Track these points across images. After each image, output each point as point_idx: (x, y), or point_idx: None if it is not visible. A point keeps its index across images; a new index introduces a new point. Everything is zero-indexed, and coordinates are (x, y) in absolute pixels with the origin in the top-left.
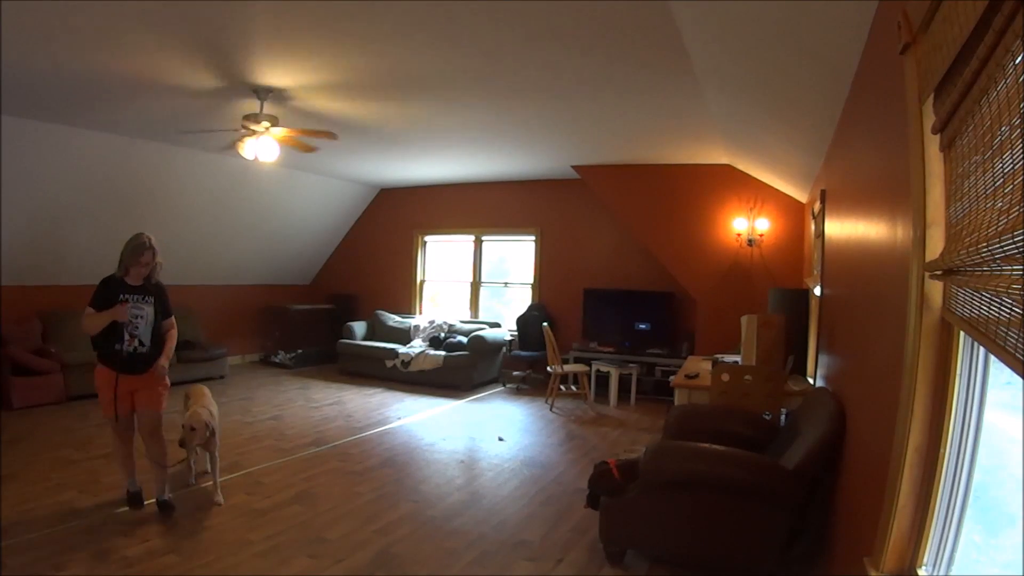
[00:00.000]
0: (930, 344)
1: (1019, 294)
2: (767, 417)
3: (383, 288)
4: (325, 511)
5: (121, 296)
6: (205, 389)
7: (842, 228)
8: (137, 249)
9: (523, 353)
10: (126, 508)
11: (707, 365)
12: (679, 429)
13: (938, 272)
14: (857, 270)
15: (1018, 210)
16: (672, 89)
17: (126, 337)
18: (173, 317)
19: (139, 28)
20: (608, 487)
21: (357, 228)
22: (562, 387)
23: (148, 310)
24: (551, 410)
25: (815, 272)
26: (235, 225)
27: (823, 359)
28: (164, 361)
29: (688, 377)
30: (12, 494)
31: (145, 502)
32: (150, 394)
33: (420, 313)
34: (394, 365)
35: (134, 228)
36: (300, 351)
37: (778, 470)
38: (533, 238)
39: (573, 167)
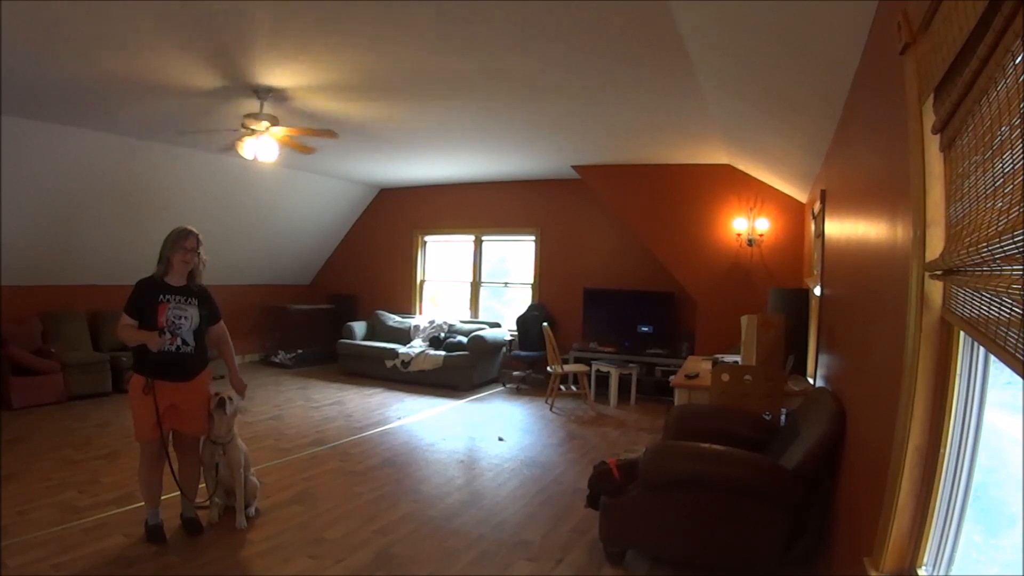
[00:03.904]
0: (930, 344)
1: (1019, 294)
2: (767, 417)
3: (383, 288)
4: (325, 511)
5: (161, 297)
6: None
7: (842, 228)
8: (180, 234)
9: (523, 353)
10: (145, 544)
11: (707, 365)
12: (679, 429)
13: (938, 272)
14: (857, 270)
15: (1018, 210)
16: (672, 89)
17: (167, 336)
18: (223, 322)
19: (139, 28)
20: (608, 487)
21: (357, 228)
22: (562, 387)
23: (192, 312)
24: (551, 410)
25: (815, 272)
26: (235, 225)
27: (823, 359)
28: (237, 377)
29: (688, 377)
30: (12, 494)
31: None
32: (195, 414)
33: (420, 313)
34: (394, 365)
35: (135, 228)
36: (300, 351)
37: (778, 470)
38: (533, 238)
39: (573, 167)
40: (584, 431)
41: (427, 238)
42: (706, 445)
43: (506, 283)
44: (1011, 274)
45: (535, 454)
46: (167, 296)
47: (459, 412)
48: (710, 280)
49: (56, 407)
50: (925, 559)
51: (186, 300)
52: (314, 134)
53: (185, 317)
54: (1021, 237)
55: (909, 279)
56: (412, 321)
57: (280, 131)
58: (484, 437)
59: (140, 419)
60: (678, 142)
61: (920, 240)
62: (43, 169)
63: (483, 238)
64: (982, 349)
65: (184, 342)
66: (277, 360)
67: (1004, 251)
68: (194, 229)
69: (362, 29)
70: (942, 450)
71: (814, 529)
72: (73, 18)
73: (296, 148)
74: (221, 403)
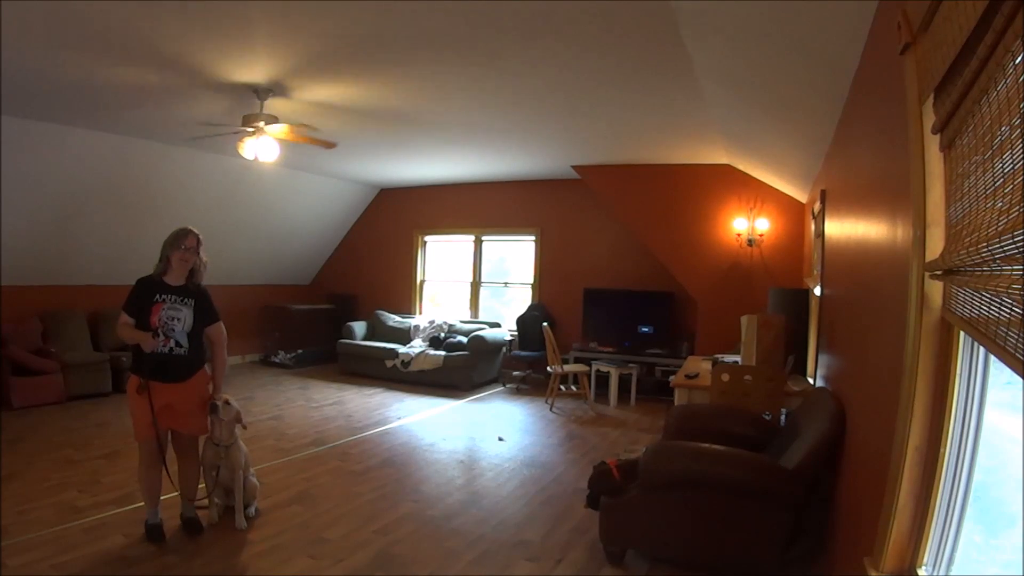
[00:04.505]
0: (930, 344)
1: (1019, 294)
2: (767, 417)
3: (383, 288)
4: (325, 511)
5: (157, 297)
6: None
7: (842, 228)
8: (180, 234)
9: (523, 353)
10: (145, 544)
11: (707, 365)
12: (679, 429)
13: (938, 272)
14: (857, 270)
15: (1018, 210)
16: (672, 89)
17: (160, 337)
18: (221, 323)
19: (139, 28)
20: (608, 487)
21: (357, 228)
22: (562, 387)
23: (186, 313)
24: (551, 410)
25: (815, 272)
26: (235, 225)
27: (823, 359)
28: (218, 393)
29: (688, 377)
30: (12, 494)
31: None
32: (192, 414)
33: (420, 313)
34: (394, 365)
35: (134, 228)
36: (300, 351)
37: (778, 470)
38: (533, 238)
39: (573, 167)
40: (584, 431)
41: (427, 238)
42: (706, 445)
43: (506, 283)
44: (1011, 274)
45: (535, 454)
46: (163, 296)
47: (459, 412)
48: (710, 280)
49: (56, 407)
50: (925, 559)
51: (181, 300)
52: (313, 142)
53: (178, 318)
54: (1021, 237)
55: (909, 279)
56: (412, 321)
57: (280, 131)
58: (484, 437)
59: (137, 419)
60: (678, 142)
61: (920, 240)
62: (43, 169)
63: (483, 238)
64: (982, 349)
65: (178, 344)
66: (277, 360)
67: (1004, 251)
68: (194, 229)
69: (362, 30)
70: (942, 450)
71: (814, 529)
72: (73, 18)
73: (301, 141)
74: (213, 408)
